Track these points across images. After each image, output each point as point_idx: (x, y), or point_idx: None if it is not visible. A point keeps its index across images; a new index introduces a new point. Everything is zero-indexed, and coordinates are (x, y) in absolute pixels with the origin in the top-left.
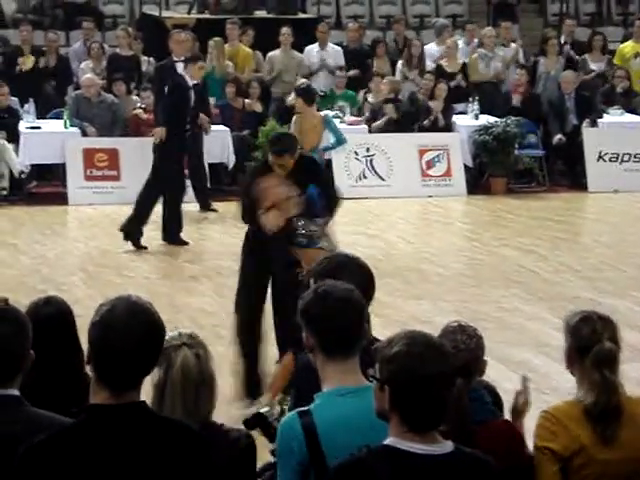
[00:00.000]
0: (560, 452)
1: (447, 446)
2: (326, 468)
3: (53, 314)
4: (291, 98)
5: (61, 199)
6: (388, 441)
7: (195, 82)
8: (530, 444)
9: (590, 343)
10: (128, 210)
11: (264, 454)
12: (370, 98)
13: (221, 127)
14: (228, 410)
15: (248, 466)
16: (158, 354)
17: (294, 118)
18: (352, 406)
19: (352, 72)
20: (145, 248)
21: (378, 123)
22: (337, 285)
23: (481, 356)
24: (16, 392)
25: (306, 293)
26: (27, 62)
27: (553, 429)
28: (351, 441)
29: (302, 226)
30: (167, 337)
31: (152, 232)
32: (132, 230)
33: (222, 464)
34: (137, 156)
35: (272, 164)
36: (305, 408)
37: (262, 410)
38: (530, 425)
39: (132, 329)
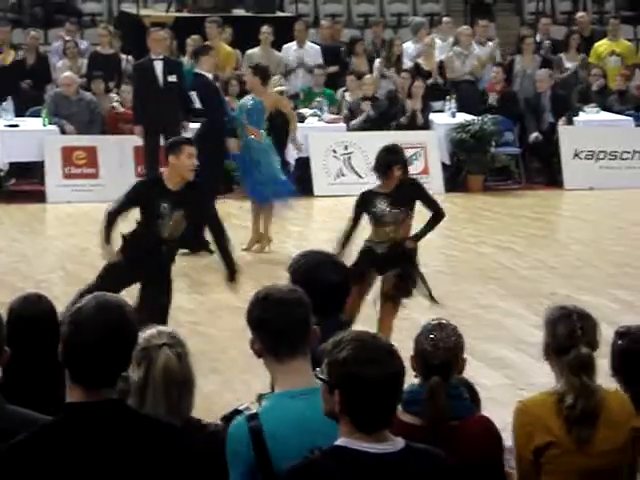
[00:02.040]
0: (536, 445)
1: (398, 443)
2: (272, 472)
3: (39, 312)
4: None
5: (40, 197)
6: (339, 442)
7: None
8: (507, 436)
9: (567, 344)
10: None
11: None
12: (348, 96)
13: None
14: (208, 406)
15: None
16: (130, 350)
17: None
18: (302, 408)
19: (332, 68)
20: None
21: (356, 121)
22: (278, 288)
23: (460, 354)
24: None
25: (251, 297)
26: (7, 58)
27: (528, 429)
28: (300, 443)
29: None
30: (146, 336)
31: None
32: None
33: (201, 458)
34: (115, 154)
35: None
36: (253, 411)
37: (240, 407)
38: (507, 419)
39: (100, 324)
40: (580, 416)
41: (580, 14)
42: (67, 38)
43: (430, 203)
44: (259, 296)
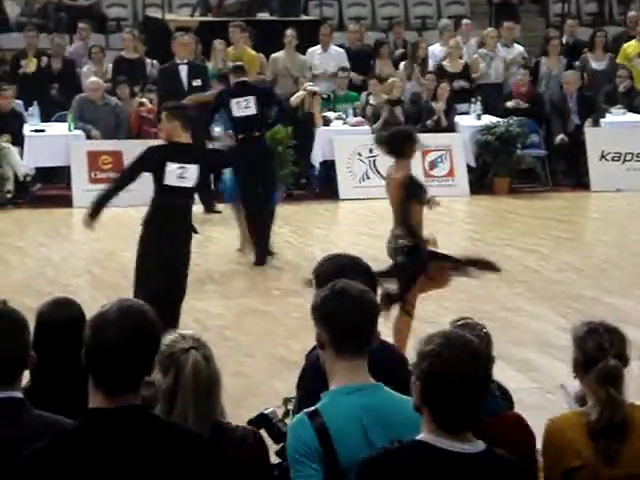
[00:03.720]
0: (565, 467)
1: (478, 445)
2: (339, 466)
3: (68, 316)
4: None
5: (66, 202)
6: (420, 436)
7: None
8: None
9: (595, 358)
10: (133, 212)
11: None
12: (372, 100)
13: None
14: (234, 411)
15: (261, 461)
16: (153, 355)
17: None
18: (360, 404)
19: (354, 75)
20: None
21: (376, 125)
22: (352, 284)
23: (489, 353)
24: (18, 394)
25: (320, 290)
26: (30, 64)
27: (558, 451)
28: (361, 438)
29: None
30: (170, 341)
31: None
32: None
33: (233, 462)
34: None
35: None
36: (312, 408)
37: (266, 411)
38: (533, 422)
39: (124, 329)
40: (606, 429)
41: (631, 13)
42: (82, 40)
43: None
44: (335, 289)
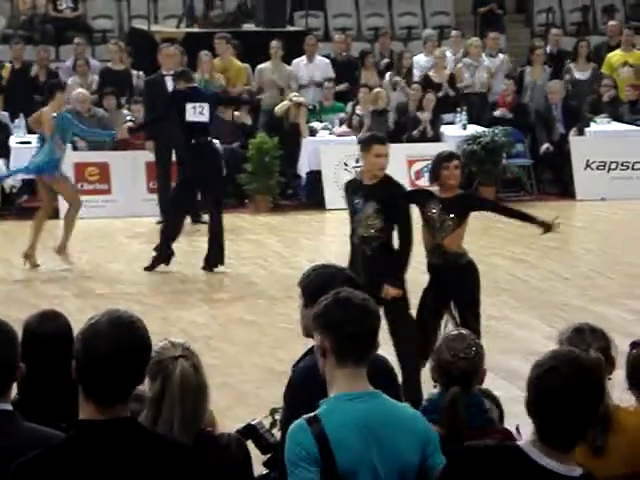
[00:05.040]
0: None
1: (576, 471)
2: (336, 472)
3: (55, 328)
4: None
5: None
6: (522, 443)
7: None
8: None
9: None
10: (119, 224)
11: (256, 466)
12: (358, 110)
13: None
14: (220, 421)
15: (243, 468)
16: (144, 366)
17: None
18: (361, 411)
19: (340, 86)
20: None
21: (360, 135)
22: (356, 293)
23: (480, 365)
24: (8, 406)
25: (324, 297)
26: (5, 71)
27: None
28: (360, 445)
29: None
30: (160, 349)
31: (142, 245)
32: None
33: (217, 470)
34: (128, 170)
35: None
36: (312, 414)
37: (253, 422)
38: (522, 431)
39: (114, 340)
40: None
41: (612, 22)
42: (77, 54)
43: None
44: (339, 297)
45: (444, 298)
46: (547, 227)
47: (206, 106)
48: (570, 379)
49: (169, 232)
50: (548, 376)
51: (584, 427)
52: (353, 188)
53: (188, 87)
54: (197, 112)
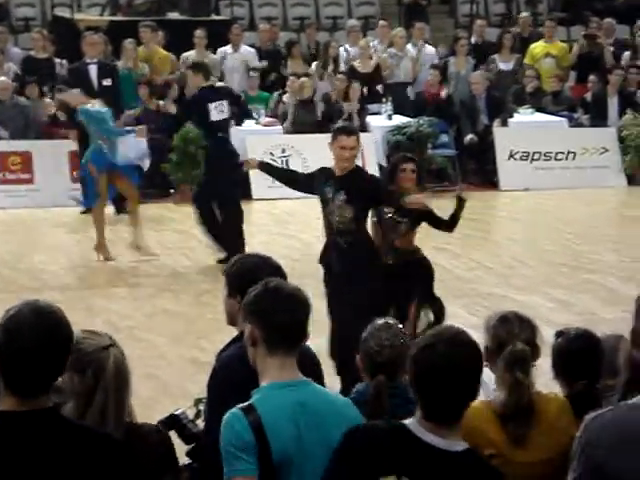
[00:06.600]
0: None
1: (460, 445)
2: (272, 460)
3: None
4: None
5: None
6: (408, 421)
7: None
8: None
9: (505, 343)
10: (42, 213)
11: (180, 457)
12: (285, 99)
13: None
14: (144, 412)
15: (166, 458)
16: (66, 357)
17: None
18: (292, 398)
19: (271, 77)
20: None
21: (285, 124)
22: (285, 282)
23: (407, 354)
24: None
25: (253, 287)
26: None
27: (470, 439)
28: (293, 433)
29: None
30: (81, 339)
31: (65, 235)
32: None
33: (141, 461)
34: (51, 159)
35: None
36: (247, 403)
37: (176, 412)
38: None
39: (37, 331)
40: (514, 412)
41: (523, 15)
42: (4, 43)
43: None
44: (269, 287)
45: (397, 296)
46: (460, 200)
47: (225, 103)
48: (447, 355)
49: (214, 228)
50: (426, 353)
51: (464, 402)
52: (326, 177)
53: (204, 87)
54: (219, 110)
